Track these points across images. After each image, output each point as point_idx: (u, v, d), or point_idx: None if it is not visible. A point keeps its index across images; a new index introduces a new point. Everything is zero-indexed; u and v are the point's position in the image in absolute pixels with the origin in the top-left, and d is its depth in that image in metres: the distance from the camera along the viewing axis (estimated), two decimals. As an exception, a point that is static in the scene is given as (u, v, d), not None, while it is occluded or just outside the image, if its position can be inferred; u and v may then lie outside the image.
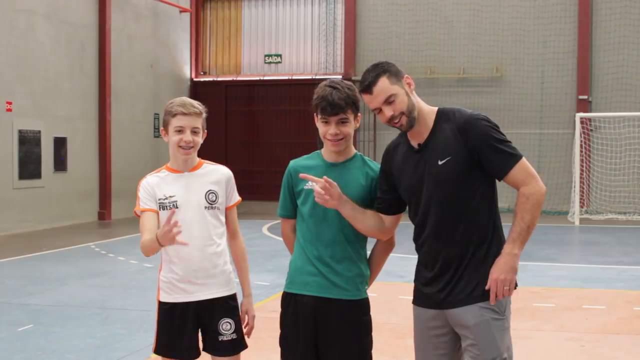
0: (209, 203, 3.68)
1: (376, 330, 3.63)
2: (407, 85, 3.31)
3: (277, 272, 10.20)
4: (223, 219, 3.76)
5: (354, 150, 3.58)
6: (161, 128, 3.76)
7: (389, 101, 3.25)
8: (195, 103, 3.71)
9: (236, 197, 3.84)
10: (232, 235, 3.87)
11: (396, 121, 3.28)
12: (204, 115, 3.74)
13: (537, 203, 3.23)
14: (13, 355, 6.30)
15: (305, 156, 3.65)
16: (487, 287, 3.22)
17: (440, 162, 3.26)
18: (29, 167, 16.26)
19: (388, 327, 6.99)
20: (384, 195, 3.48)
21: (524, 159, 3.26)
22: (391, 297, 8.28)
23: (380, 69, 3.28)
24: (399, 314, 7.62)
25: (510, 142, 3.27)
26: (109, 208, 18.73)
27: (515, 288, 3.30)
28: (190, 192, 3.67)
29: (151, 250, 3.53)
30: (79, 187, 17.95)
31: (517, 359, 3.57)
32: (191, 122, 3.64)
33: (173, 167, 3.74)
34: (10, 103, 15.71)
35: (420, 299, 3.44)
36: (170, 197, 3.65)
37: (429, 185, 3.29)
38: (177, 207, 3.63)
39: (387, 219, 3.50)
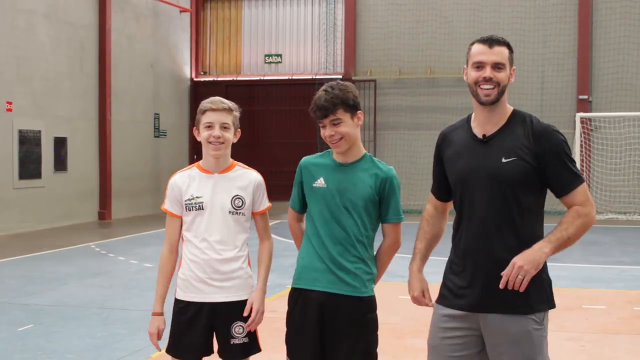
0: (235, 208, 3.68)
1: (376, 330, 3.61)
2: (511, 74, 3.31)
3: (277, 272, 10.18)
4: (248, 224, 3.75)
5: (363, 151, 3.58)
6: (194, 128, 3.77)
7: (498, 66, 3.25)
8: (226, 100, 3.75)
9: (265, 203, 3.81)
10: (261, 240, 3.87)
11: (489, 87, 3.25)
12: (236, 113, 3.76)
13: (585, 225, 3.16)
14: (13, 355, 6.30)
15: (317, 154, 3.69)
16: (502, 272, 3.07)
17: (504, 160, 3.18)
18: (29, 167, 16.26)
19: (388, 327, 6.98)
20: (435, 181, 3.48)
21: (585, 183, 3.22)
22: (391, 297, 8.27)
23: (509, 44, 3.31)
24: (399, 314, 7.62)
25: (575, 162, 3.24)
26: (109, 208, 18.74)
27: (550, 308, 3.23)
28: (217, 194, 3.68)
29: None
30: (79, 187, 17.95)
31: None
32: (220, 117, 3.67)
33: (204, 167, 3.75)
34: (10, 103, 15.71)
35: (449, 299, 3.29)
36: (197, 197, 3.68)
37: (482, 178, 3.20)
38: (202, 209, 3.66)
39: (440, 206, 3.49)
